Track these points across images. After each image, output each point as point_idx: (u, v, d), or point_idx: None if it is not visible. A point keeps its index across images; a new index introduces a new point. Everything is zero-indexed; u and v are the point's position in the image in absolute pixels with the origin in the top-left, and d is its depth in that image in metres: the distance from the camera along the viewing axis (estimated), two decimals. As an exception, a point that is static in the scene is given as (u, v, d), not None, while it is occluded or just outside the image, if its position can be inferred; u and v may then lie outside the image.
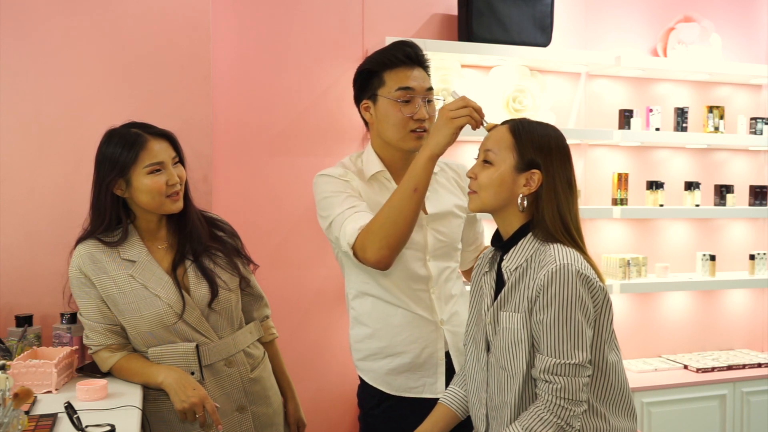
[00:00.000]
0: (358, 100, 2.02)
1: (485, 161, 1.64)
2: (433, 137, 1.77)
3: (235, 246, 2.10)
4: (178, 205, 1.96)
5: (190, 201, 2.04)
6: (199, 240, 2.00)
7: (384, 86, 1.93)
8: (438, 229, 2.00)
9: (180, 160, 2.00)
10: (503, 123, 1.68)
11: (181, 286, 1.95)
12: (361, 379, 2.08)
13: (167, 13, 2.53)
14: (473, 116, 1.73)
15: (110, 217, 1.93)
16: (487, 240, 2.13)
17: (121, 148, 1.90)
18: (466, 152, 3.26)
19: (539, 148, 1.60)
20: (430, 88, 1.95)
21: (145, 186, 1.90)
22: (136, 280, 1.92)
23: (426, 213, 1.99)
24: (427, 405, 1.91)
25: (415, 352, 1.97)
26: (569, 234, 1.60)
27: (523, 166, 1.60)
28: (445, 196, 2.04)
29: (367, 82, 1.97)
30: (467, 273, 2.23)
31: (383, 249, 1.78)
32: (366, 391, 2.05)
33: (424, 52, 1.99)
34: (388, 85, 1.92)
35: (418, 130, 1.92)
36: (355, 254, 1.83)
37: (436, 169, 2.00)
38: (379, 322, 1.98)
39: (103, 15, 2.47)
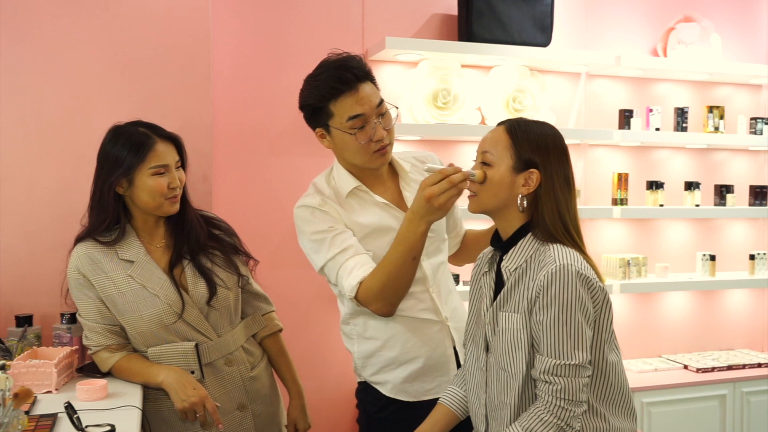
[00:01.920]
0: (311, 126, 1.94)
1: (483, 163, 1.64)
2: (426, 215, 1.70)
3: (233, 244, 2.10)
4: (175, 208, 1.97)
5: (188, 202, 2.04)
6: (196, 240, 2.00)
7: (333, 117, 1.85)
8: None
9: (183, 164, 2.00)
10: (499, 124, 1.68)
11: (180, 286, 1.95)
12: (363, 384, 2.05)
13: (167, 13, 2.53)
14: (460, 188, 1.66)
15: (111, 215, 1.94)
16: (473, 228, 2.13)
17: (129, 148, 1.90)
18: (465, 152, 3.26)
19: (536, 148, 1.60)
20: (381, 101, 1.86)
21: (148, 186, 1.90)
22: (135, 280, 1.92)
23: (407, 207, 1.94)
24: (434, 405, 1.89)
25: (427, 355, 1.96)
26: (569, 233, 1.59)
27: (521, 166, 1.60)
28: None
29: (314, 115, 1.89)
30: (452, 259, 2.19)
31: (387, 307, 1.83)
32: (370, 394, 2.02)
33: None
34: (336, 116, 1.84)
35: (380, 149, 1.87)
36: (358, 303, 1.85)
37: (407, 167, 2.01)
38: (387, 333, 1.95)
39: (104, 15, 2.47)
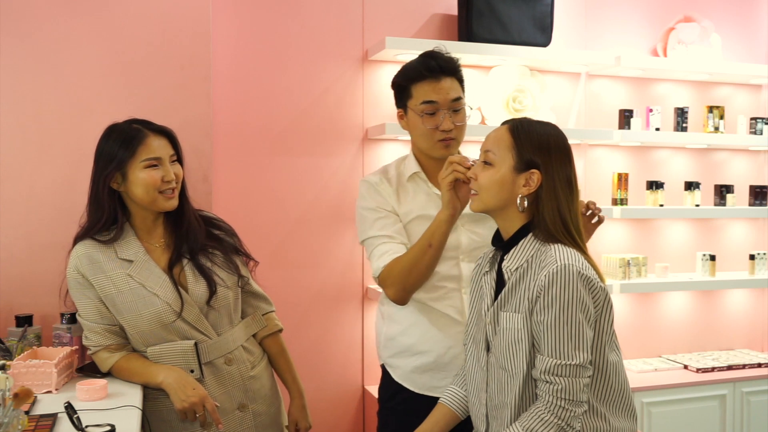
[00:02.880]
0: (396, 106, 2.08)
1: (485, 162, 1.65)
2: (445, 204, 1.84)
3: (233, 244, 2.10)
4: (172, 203, 1.97)
5: (187, 200, 2.04)
6: (195, 239, 2.00)
7: (411, 99, 1.99)
8: (474, 230, 2.03)
9: (178, 158, 2.00)
10: (503, 123, 1.68)
11: (179, 285, 1.95)
12: (382, 369, 2.15)
13: (167, 13, 2.53)
14: (458, 169, 1.78)
15: (109, 212, 1.93)
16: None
17: (120, 142, 1.91)
18: (465, 152, 3.24)
19: (538, 148, 1.60)
20: (457, 98, 1.97)
21: (140, 179, 1.90)
22: (134, 279, 1.92)
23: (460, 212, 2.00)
24: None
25: (440, 352, 2.01)
26: (569, 234, 1.60)
27: (522, 166, 1.60)
28: None
29: (399, 94, 2.04)
30: None
31: (399, 292, 1.94)
32: (384, 378, 2.13)
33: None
34: (414, 98, 1.98)
35: (445, 139, 1.98)
36: (380, 285, 1.99)
37: None
38: (410, 319, 2.05)
39: (104, 15, 2.47)
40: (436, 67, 1.96)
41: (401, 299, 1.96)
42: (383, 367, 2.15)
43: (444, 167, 1.82)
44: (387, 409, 2.12)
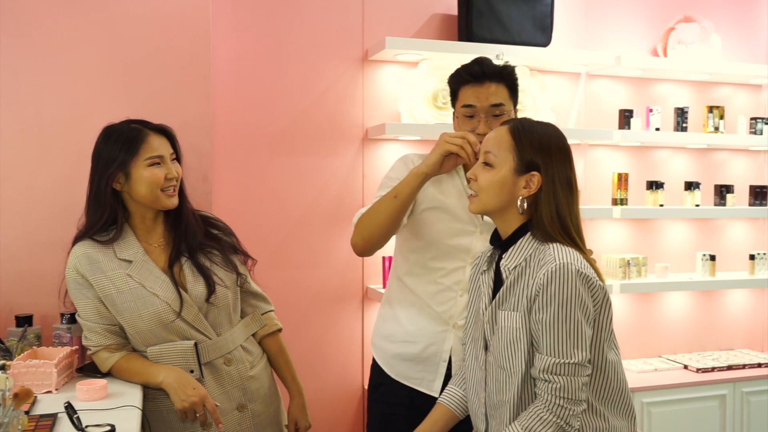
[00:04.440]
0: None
1: (485, 163, 1.65)
2: (426, 160, 1.92)
3: (231, 243, 2.10)
4: (173, 201, 1.97)
5: (186, 198, 2.05)
6: (194, 237, 2.01)
7: (457, 101, 2.05)
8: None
9: (177, 157, 2.01)
10: (504, 123, 1.68)
11: (178, 284, 1.95)
12: (373, 359, 2.19)
13: (167, 13, 2.53)
14: (465, 148, 1.85)
15: (109, 212, 1.94)
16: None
17: (122, 143, 1.91)
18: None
19: (539, 149, 1.60)
20: (497, 104, 1.98)
21: (144, 177, 1.91)
22: (134, 279, 1.92)
23: (482, 220, 2.02)
24: (419, 401, 1.99)
25: (421, 346, 2.04)
26: (568, 235, 1.60)
27: (522, 168, 1.60)
28: None
29: (451, 96, 2.10)
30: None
31: (358, 240, 2.00)
32: (373, 370, 2.18)
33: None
34: (459, 100, 2.04)
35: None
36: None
37: None
38: (400, 308, 2.09)
39: (103, 15, 2.47)
40: (479, 72, 1.99)
41: (358, 247, 2.00)
42: (374, 348, 2.19)
43: (456, 135, 1.88)
44: (373, 400, 2.19)
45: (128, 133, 1.93)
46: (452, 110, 2.08)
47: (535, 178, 1.59)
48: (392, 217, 1.93)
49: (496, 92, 1.99)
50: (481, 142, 1.92)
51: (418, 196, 2.01)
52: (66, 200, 2.37)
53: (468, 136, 1.88)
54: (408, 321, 2.07)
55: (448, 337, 2.02)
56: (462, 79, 2.02)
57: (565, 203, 1.60)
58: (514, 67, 2.05)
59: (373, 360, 2.19)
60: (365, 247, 2.00)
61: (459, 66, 2.06)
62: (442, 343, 2.02)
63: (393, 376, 2.10)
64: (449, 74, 1.95)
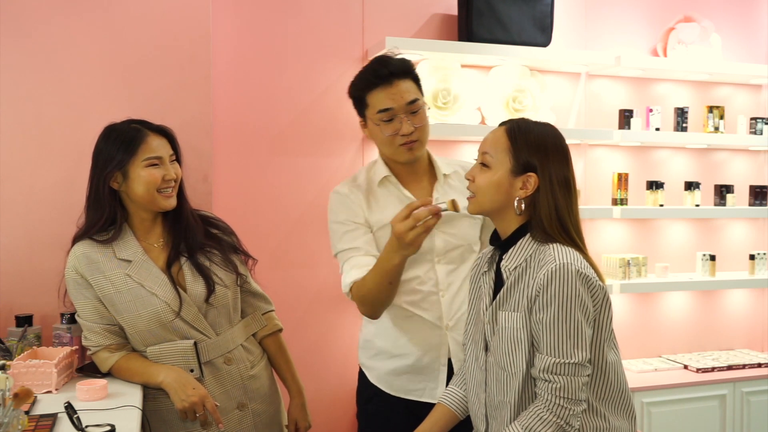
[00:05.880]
0: (359, 117, 2.06)
1: (482, 164, 1.65)
2: (399, 250, 1.75)
3: (231, 243, 2.10)
4: (171, 202, 1.97)
5: (185, 199, 2.05)
6: (193, 237, 2.01)
7: (368, 108, 1.96)
8: (447, 231, 2.01)
9: (177, 158, 2.01)
10: (501, 124, 1.68)
11: (177, 284, 1.95)
12: (359, 375, 2.12)
13: (167, 13, 2.53)
14: (428, 225, 1.70)
15: (108, 212, 1.94)
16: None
17: (121, 142, 1.92)
18: (465, 152, 3.26)
19: (535, 150, 1.60)
20: (413, 101, 1.93)
21: (142, 178, 1.91)
22: (133, 279, 1.92)
23: None
24: (421, 407, 1.94)
25: (418, 355, 2.00)
26: (568, 235, 1.60)
27: (519, 169, 1.60)
28: (456, 198, 2.04)
29: (357, 104, 2.02)
30: None
31: (369, 312, 1.96)
32: (362, 380, 2.12)
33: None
34: (371, 107, 1.95)
35: (407, 143, 1.95)
36: (351, 299, 1.97)
37: (448, 170, 2.08)
38: (387, 323, 2.02)
39: (104, 15, 2.47)
40: (386, 73, 1.92)
41: (372, 316, 1.98)
42: (360, 369, 2.14)
43: (406, 222, 1.69)
44: (365, 412, 2.11)
45: (127, 133, 1.93)
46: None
47: (532, 179, 1.59)
48: (393, 295, 1.91)
49: (407, 89, 1.94)
50: (411, 138, 1.91)
51: (368, 220, 1.99)
52: (66, 200, 2.37)
53: (410, 206, 1.71)
54: (396, 334, 2.01)
55: (443, 340, 1.99)
56: (369, 83, 1.93)
57: (564, 203, 1.60)
58: (410, 60, 2.00)
59: (364, 376, 2.11)
60: (379, 314, 1.97)
61: (363, 71, 1.98)
62: (439, 347, 1.99)
63: (392, 392, 2.04)
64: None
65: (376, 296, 1.88)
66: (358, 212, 2.01)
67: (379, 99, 1.92)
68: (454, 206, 1.70)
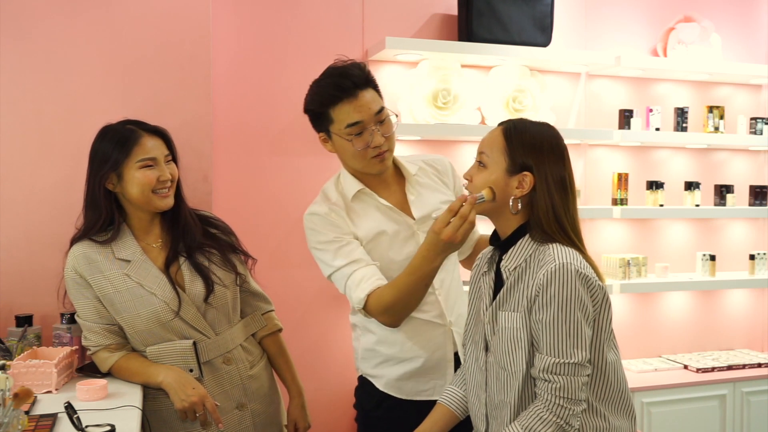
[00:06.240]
0: (315, 130, 1.98)
1: (480, 163, 1.65)
2: (443, 252, 1.72)
3: (230, 242, 2.10)
4: (167, 202, 1.97)
5: (183, 199, 2.05)
6: (192, 237, 2.01)
7: (333, 123, 1.88)
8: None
9: (173, 158, 2.01)
10: (500, 124, 1.68)
11: (176, 284, 1.95)
12: (360, 380, 2.09)
13: (167, 13, 2.53)
14: (472, 219, 1.66)
15: (106, 213, 1.94)
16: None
17: (115, 143, 1.92)
18: (465, 152, 3.26)
19: (531, 150, 1.60)
20: (381, 110, 1.88)
21: (136, 179, 1.91)
22: (132, 279, 1.92)
23: (414, 219, 1.97)
24: (431, 405, 1.91)
25: (426, 357, 1.98)
26: (566, 234, 1.60)
27: (514, 169, 1.60)
28: (430, 197, 2.02)
29: (317, 120, 1.93)
30: (464, 263, 2.20)
31: (394, 320, 1.87)
32: (366, 389, 2.06)
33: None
34: (336, 122, 1.87)
35: (378, 155, 1.90)
36: (365, 315, 1.89)
37: (414, 170, 2.03)
38: (388, 330, 1.96)
39: (103, 15, 2.47)
40: (350, 86, 1.84)
41: (395, 325, 1.89)
42: (362, 378, 2.07)
43: (454, 223, 1.65)
44: (373, 417, 2.05)
45: (122, 134, 1.93)
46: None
47: (528, 178, 1.59)
48: (423, 297, 1.85)
49: (372, 98, 1.87)
50: (383, 149, 1.86)
51: (357, 235, 1.94)
52: (66, 200, 2.37)
53: (452, 209, 1.66)
54: (400, 339, 1.98)
55: (448, 337, 1.99)
56: (333, 97, 1.85)
57: (561, 203, 1.60)
58: (365, 65, 1.93)
59: (369, 384, 2.05)
60: (399, 323, 1.89)
61: (321, 86, 1.88)
62: (445, 344, 1.99)
63: (403, 397, 2.00)
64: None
65: (409, 301, 1.82)
66: (345, 228, 1.93)
67: (345, 113, 1.85)
68: (492, 193, 1.62)
